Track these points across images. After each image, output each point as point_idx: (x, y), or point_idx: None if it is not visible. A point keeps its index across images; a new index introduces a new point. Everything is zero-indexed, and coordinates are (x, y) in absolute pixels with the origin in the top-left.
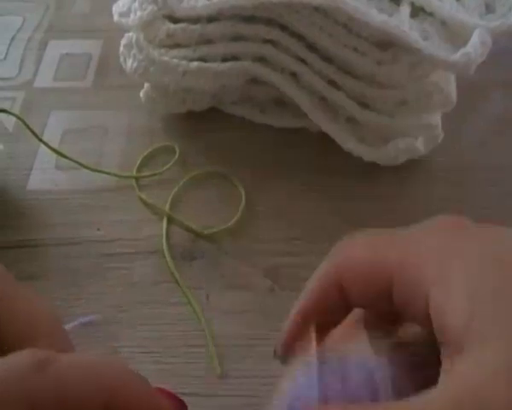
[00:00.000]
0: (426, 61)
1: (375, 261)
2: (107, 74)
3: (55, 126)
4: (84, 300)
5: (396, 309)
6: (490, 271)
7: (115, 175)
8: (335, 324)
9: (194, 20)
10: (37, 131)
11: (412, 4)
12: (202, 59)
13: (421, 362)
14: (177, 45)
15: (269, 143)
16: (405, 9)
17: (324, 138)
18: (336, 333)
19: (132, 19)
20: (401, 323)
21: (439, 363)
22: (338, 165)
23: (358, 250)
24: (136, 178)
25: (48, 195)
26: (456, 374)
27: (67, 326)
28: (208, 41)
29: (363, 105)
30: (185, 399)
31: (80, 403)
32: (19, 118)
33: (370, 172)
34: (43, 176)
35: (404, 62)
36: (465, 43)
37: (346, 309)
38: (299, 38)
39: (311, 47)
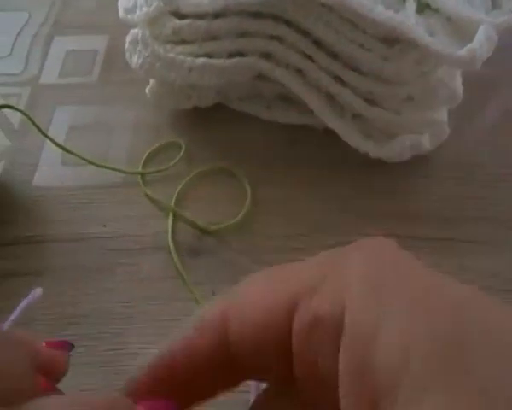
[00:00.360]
0: (432, 57)
1: (274, 294)
2: (113, 70)
3: (60, 122)
4: (89, 296)
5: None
6: (422, 308)
7: (121, 171)
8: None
9: (200, 16)
10: (42, 126)
11: (418, 0)
12: (208, 55)
13: None
14: (183, 41)
15: (275, 139)
16: (411, 5)
17: (330, 135)
18: None
19: (138, 15)
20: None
21: None
22: (344, 161)
23: (254, 285)
24: (142, 174)
25: (53, 191)
26: None
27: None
28: (214, 37)
29: (370, 101)
30: None
31: None
32: (24, 114)
33: (376, 168)
34: (49, 172)
35: (410, 58)
36: (471, 39)
37: (230, 379)
38: (306, 34)
39: (317, 43)
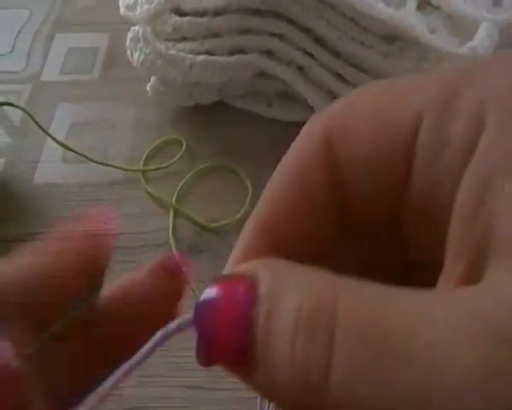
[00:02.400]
0: (432, 54)
1: (394, 109)
2: (114, 67)
3: (61, 120)
4: None
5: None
6: None
7: (122, 168)
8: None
9: (201, 13)
10: (43, 124)
11: None
12: (209, 52)
13: None
14: (184, 39)
15: (275, 136)
16: (412, 3)
17: None
18: None
19: (139, 12)
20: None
21: None
22: None
23: (365, 100)
24: (143, 172)
25: (54, 188)
26: None
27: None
28: (215, 34)
29: None
30: (190, 392)
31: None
32: (25, 111)
33: None
34: (50, 169)
35: (410, 55)
36: (472, 36)
37: (341, 212)
38: (307, 31)
39: (319, 41)
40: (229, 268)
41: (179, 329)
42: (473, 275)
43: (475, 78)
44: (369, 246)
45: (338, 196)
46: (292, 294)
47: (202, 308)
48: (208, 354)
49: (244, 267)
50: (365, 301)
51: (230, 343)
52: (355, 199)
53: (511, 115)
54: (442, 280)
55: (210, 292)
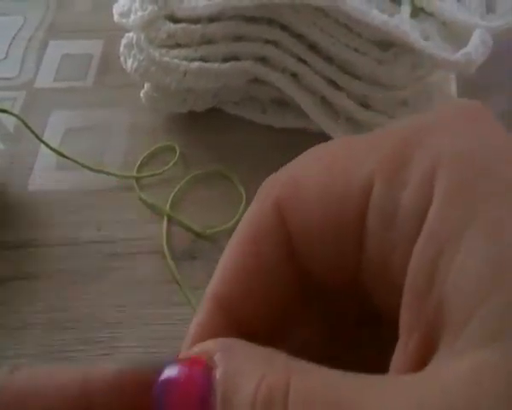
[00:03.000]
0: (426, 61)
1: (345, 176)
2: (108, 74)
3: (55, 126)
4: (84, 300)
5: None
6: None
7: (116, 175)
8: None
9: (195, 20)
10: (37, 131)
11: (413, 4)
12: (203, 59)
13: None
14: (178, 45)
15: (270, 143)
16: (406, 9)
17: (325, 139)
18: None
19: (133, 19)
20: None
21: None
22: None
23: (314, 165)
24: (137, 178)
25: (48, 195)
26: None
27: None
28: (209, 41)
29: (364, 105)
30: None
31: None
32: (19, 118)
33: None
34: (44, 176)
35: (404, 62)
36: (466, 43)
37: (295, 279)
38: (300, 38)
39: (312, 47)
40: (186, 346)
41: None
42: (427, 350)
43: (429, 139)
44: (329, 306)
45: (293, 263)
46: (246, 380)
47: (162, 387)
48: None
49: (200, 348)
50: (313, 386)
51: None
52: (310, 266)
53: (459, 184)
54: (397, 352)
55: (169, 372)
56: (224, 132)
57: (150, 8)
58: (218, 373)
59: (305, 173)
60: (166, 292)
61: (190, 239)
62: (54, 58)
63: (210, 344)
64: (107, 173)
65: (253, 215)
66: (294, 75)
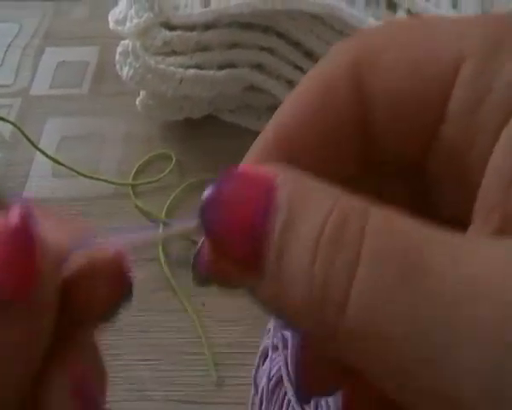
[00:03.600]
0: None
1: (434, 47)
2: (104, 81)
3: (51, 134)
4: None
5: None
6: None
7: (111, 182)
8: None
9: (191, 27)
10: (33, 138)
11: (409, 11)
12: (199, 66)
13: None
14: (174, 53)
15: None
16: (401, 15)
17: None
18: None
19: (128, 26)
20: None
21: None
22: None
23: (402, 31)
24: (133, 186)
25: (44, 202)
26: None
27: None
28: (205, 48)
29: None
30: (182, 406)
31: None
32: (15, 125)
33: None
34: (40, 184)
35: None
36: None
37: (363, 145)
38: (296, 45)
39: (309, 55)
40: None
41: (182, 232)
42: (503, 234)
43: None
44: (388, 187)
45: (362, 129)
46: (315, 204)
47: (212, 206)
48: (213, 259)
49: (261, 168)
50: (400, 224)
51: (241, 247)
52: (380, 136)
53: None
54: (469, 234)
55: (221, 187)
56: (219, 140)
57: (146, 15)
58: (281, 195)
59: (384, 46)
60: (162, 299)
61: (186, 247)
62: (49, 65)
63: (272, 166)
64: (103, 181)
65: (324, 72)
66: (290, 82)
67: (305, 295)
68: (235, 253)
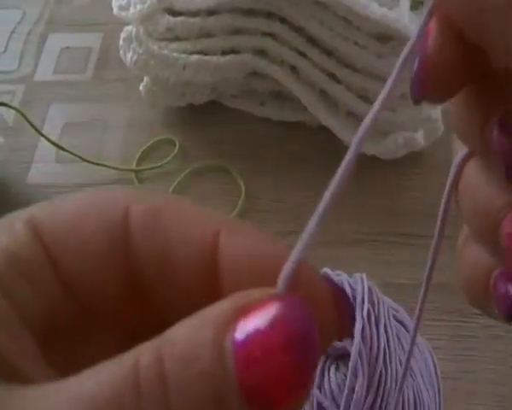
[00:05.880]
0: None
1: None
2: (107, 67)
3: (55, 120)
4: None
5: None
6: None
7: (115, 168)
8: None
9: (194, 13)
10: (37, 124)
11: None
12: (202, 52)
13: None
14: (177, 38)
15: (268, 136)
16: (405, 3)
17: (324, 132)
18: None
19: (132, 12)
20: None
21: None
22: (337, 158)
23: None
24: (136, 172)
25: (48, 188)
26: None
27: None
28: (208, 34)
29: (364, 98)
30: None
31: None
32: (19, 111)
33: (370, 165)
34: (43, 169)
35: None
36: None
37: None
38: (299, 31)
39: (312, 40)
40: None
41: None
42: None
43: None
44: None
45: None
46: None
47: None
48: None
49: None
50: None
51: None
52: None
53: None
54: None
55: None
56: (222, 125)
57: (149, 1)
58: None
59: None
60: None
61: None
62: (53, 52)
63: None
64: (107, 166)
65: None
66: (293, 68)
67: None
68: None
